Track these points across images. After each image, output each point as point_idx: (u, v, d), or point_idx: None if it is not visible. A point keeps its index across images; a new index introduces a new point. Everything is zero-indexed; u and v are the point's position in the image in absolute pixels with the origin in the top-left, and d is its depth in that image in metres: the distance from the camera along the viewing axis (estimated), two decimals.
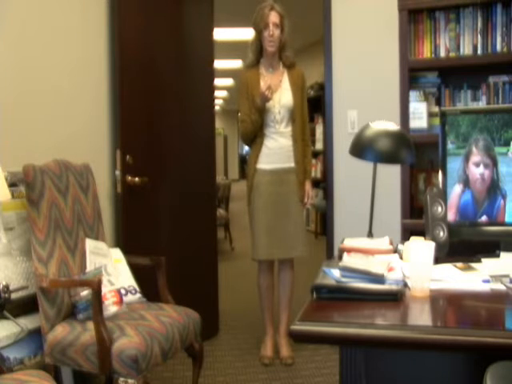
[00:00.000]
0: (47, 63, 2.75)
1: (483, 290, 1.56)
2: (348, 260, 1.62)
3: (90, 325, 2.17)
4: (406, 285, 1.55)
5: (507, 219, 1.86)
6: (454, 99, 3.07)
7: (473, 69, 3.00)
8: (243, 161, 20.84)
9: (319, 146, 7.98)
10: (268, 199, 3.26)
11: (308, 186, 3.34)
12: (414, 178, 3.12)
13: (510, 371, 1.16)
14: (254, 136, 3.26)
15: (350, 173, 3.45)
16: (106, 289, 2.35)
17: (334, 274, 1.58)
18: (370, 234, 2.05)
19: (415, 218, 2.94)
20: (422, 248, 1.52)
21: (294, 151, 3.28)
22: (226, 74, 11.66)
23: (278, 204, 3.26)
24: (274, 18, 3.26)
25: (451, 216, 1.89)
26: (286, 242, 3.28)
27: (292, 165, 3.28)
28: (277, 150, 3.26)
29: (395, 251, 1.86)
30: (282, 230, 3.26)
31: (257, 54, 3.34)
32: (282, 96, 3.26)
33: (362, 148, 2.03)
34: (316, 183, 8.15)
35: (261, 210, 3.26)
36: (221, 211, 6.84)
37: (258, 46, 3.32)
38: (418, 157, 2.17)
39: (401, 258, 1.80)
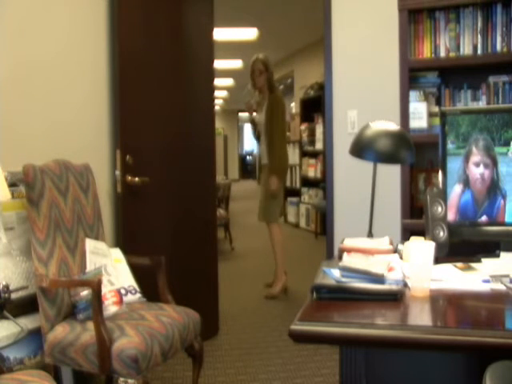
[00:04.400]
0: (47, 63, 2.75)
1: (483, 290, 1.57)
2: (348, 260, 1.62)
3: (90, 325, 2.17)
4: (405, 285, 1.55)
5: (507, 219, 1.86)
6: (454, 99, 3.07)
7: (473, 69, 3.00)
8: (243, 161, 20.85)
9: (319, 145, 7.98)
10: None
11: None
12: (414, 178, 3.12)
13: (509, 371, 1.16)
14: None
15: (350, 173, 3.45)
16: (105, 289, 2.35)
17: (333, 274, 1.58)
18: (370, 234, 2.05)
19: (415, 218, 2.93)
20: (422, 248, 1.52)
21: None
22: (226, 74, 11.67)
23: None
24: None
25: (451, 216, 1.89)
26: None
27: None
28: None
29: (395, 251, 1.86)
30: None
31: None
32: None
33: (361, 148, 2.03)
34: (316, 183, 8.17)
35: None
36: (221, 211, 6.84)
37: None
38: (418, 157, 2.17)
39: (401, 257, 1.80)
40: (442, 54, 3.01)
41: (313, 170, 8.38)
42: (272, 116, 4.72)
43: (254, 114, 4.99)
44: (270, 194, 4.70)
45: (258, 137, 5.03)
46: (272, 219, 4.80)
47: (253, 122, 5.02)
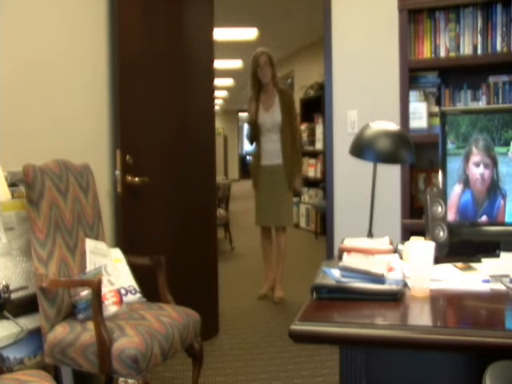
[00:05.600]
0: (47, 63, 2.75)
1: (483, 290, 1.57)
2: (348, 260, 1.62)
3: (90, 325, 2.17)
4: (405, 285, 1.55)
5: (507, 219, 1.86)
6: (454, 99, 3.06)
7: (473, 69, 3.00)
8: (243, 161, 20.83)
9: (319, 145, 7.98)
10: None
11: None
12: (414, 178, 3.12)
13: (509, 371, 1.16)
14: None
15: (350, 173, 3.44)
16: (105, 289, 2.35)
17: (333, 274, 1.58)
18: (370, 234, 2.05)
19: (415, 218, 2.93)
20: (422, 248, 1.52)
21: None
22: (226, 73, 11.67)
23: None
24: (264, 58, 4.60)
25: (451, 216, 1.89)
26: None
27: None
28: None
29: (395, 251, 1.86)
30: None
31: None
32: None
33: (362, 148, 2.03)
34: (316, 183, 8.17)
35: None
36: (221, 211, 6.84)
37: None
38: (417, 157, 2.17)
39: (401, 257, 1.80)
40: (442, 54, 3.01)
41: (313, 170, 8.39)
42: (292, 112, 4.65)
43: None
44: (294, 194, 4.83)
45: (252, 138, 4.72)
46: (291, 221, 4.92)
47: (255, 122, 4.62)
